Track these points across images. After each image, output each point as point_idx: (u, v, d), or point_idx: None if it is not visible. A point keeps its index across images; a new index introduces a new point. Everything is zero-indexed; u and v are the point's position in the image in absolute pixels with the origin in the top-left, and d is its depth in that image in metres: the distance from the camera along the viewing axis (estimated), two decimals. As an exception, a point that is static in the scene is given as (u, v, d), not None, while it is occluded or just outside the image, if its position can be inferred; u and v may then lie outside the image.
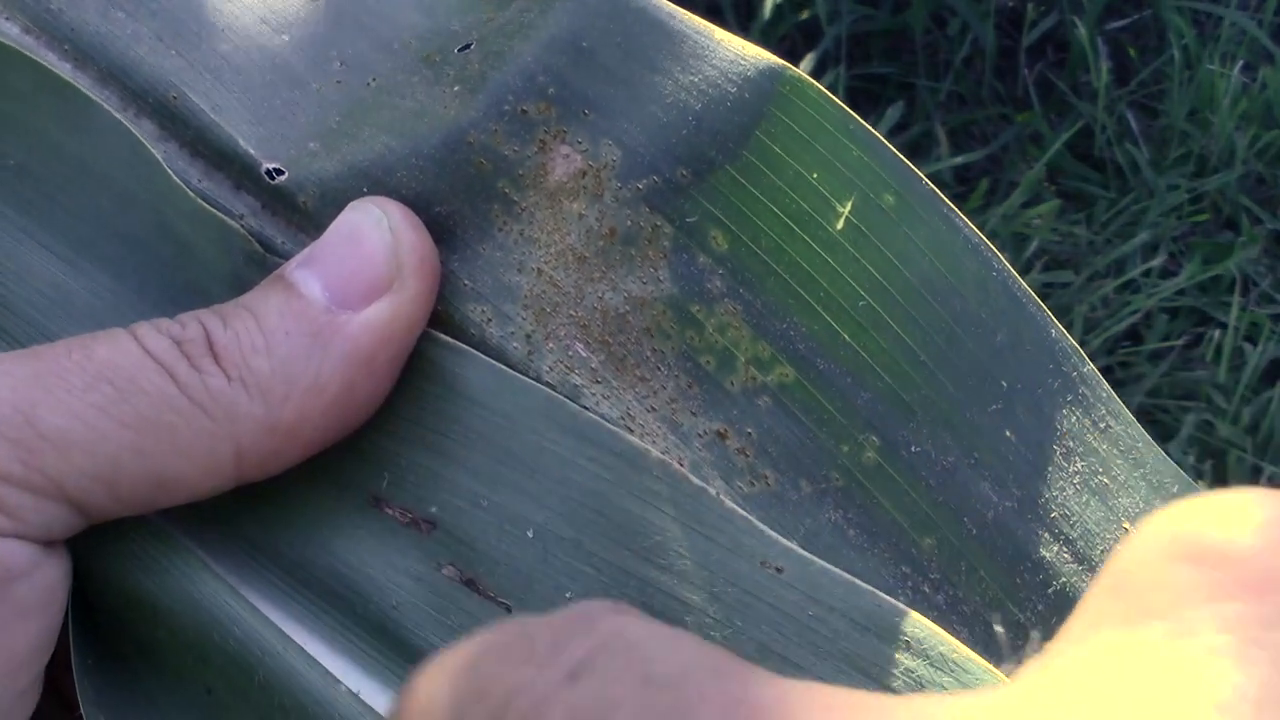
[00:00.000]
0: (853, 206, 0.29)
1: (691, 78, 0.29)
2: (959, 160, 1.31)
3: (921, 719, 0.15)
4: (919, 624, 0.26)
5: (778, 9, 1.32)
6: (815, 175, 0.29)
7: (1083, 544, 0.29)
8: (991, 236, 1.23)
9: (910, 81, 1.37)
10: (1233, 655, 0.15)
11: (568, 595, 0.26)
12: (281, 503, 0.28)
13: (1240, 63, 1.30)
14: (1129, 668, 0.15)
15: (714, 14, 1.34)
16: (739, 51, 0.29)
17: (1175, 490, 0.29)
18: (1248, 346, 1.21)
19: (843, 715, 0.16)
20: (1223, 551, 0.16)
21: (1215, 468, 1.16)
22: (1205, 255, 1.26)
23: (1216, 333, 1.22)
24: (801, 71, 0.29)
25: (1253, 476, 1.15)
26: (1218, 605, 0.15)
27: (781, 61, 0.29)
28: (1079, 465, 0.29)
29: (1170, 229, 1.27)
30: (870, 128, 0.29)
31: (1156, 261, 1.24)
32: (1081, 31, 1.32)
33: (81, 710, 0.27)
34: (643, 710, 0.17)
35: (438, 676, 0.21)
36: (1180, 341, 1.23)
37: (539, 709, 0.17)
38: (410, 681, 0.24)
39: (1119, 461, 0.29)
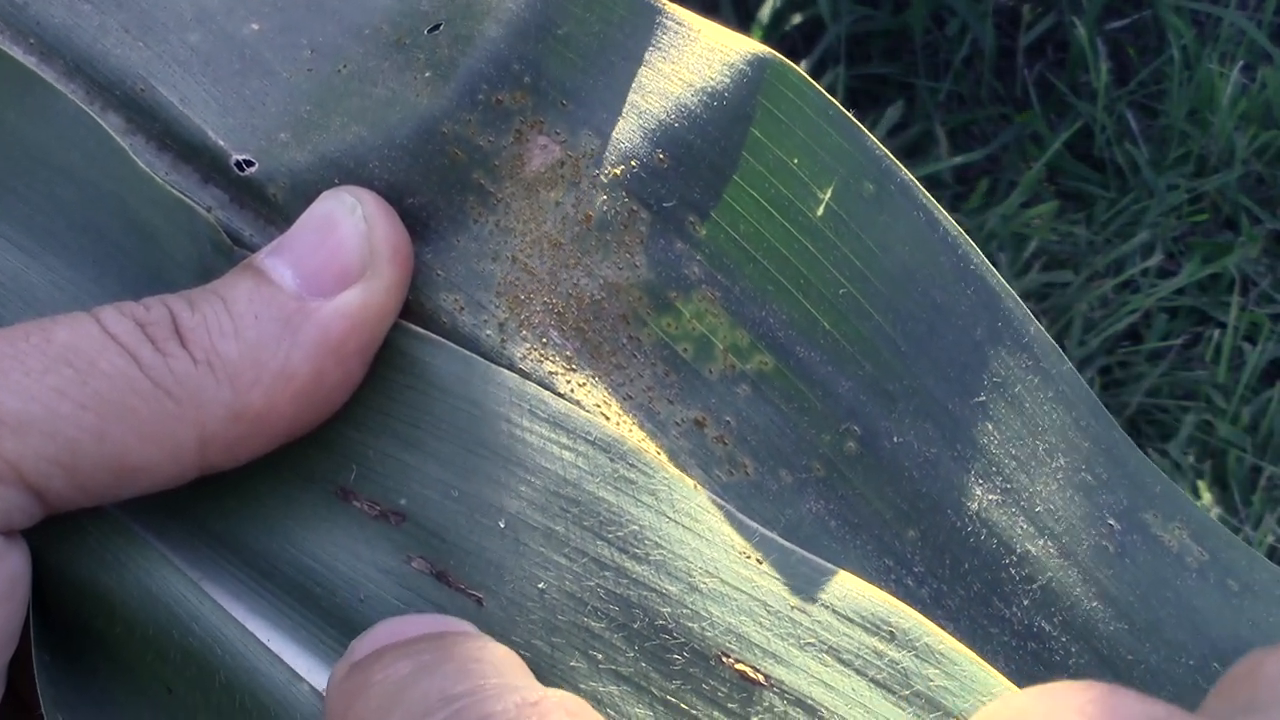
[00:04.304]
0: (833, 193, 0.28)
1: (673, 66, 0.28)
2: (958, 160, 1.30)
3: None
4: (904, 614, 0.26)
5: (776, 12, 1.32)
6: (796, 161, 0.28)
7: (1068, 539, 0.28)
8: (991, 236, 1.22)
9: (910, 81, 1.37)
10: None
11: (540, 586, 0.26)
12: (246, 495, 0.28)
13: (1240, 63, 1.30)
14: None
15: (711, 12, 1.33)
16: (723, 41, 0.29)
17: (1158, 490, 0.29)
18: (1247, 346, 1.20)
19: None
20: None
21: (1215, 468, 1.15)
22: (1205, 255, 1.25)
23: (1216, 332, 1.22)
24: (784, 58, 0.28)
25: (1252, 476, 1.14)
26: None
27: (766, 49, 0.29)
28: (1061, 461, 0.28)
29: (1170, 229, 1.27)
30: (849, 115, 0.29)
31: (1155, 261, 1.24)
32: (1081, 31, 1.32)
33: (42, 710, 0.27)
34: None
35: (392, 709, 0.23)
36: (1179, 341, 1.23)
37: None
38: (359, 678, 0.24)
39: (1101, 459, 0.29)
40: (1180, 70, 1.31)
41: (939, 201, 0.29)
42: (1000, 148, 1.34)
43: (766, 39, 1.31)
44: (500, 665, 0.24)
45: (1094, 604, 0.28)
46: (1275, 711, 0.18)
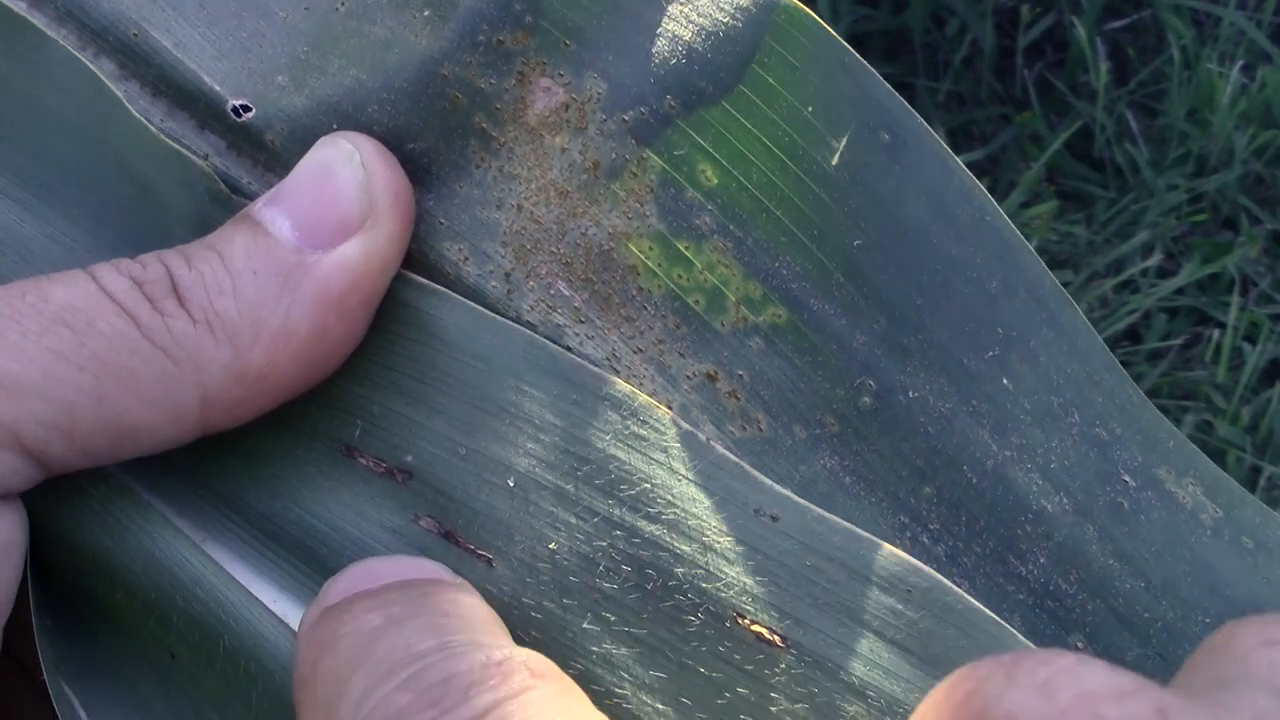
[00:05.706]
0: (848, 142, 0.27)
1: (681, 7, 0.27)
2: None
3: None
4: (923, 573, 0.25)
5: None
6: (810, 109, 0.27)
7: (1083, 496, 0.27)
8: (990, 235, 1.22)
9: (910, 82, 1.36)
10: None
11: (550, 546, 0.25)
12: (249, 454, 0.27)
13: (1239, 63, 1.29)
14: None
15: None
16: None
17: (1171, 445, 0.28)
18: (1247, 346, 1.20)
19: None
20: (1009, 716, 0.18)
21: (1216, 468, 1.14)
22: (1204, 255, 1.25)
23: (1215, 332, 1.21)
24: (798, 1, 0.28)
25: (1252, 476, 1.14)
26: None
27: None
28: (1076, 417, 0.28)
29: (1169, 229, 1.26)
30: (865, 62, 0.28)
31: (1155, 261, 1.24)
32: (1080, 31, 1.31)
33: (44, 674, 0.26)
34: None
35: (360, 664, 0.22)
36: (1179, 341, 1.22)
37: None
38: (329, 628, 0.24)
39: (1115, 414, 0.28)
40: (1180, 70, 1.31)
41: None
42: (1000, 148, 1.33)
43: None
44: (470, 620, 0.23)
45: (1110, 561, 0.27)
46: (1243, 687, 0.18)
